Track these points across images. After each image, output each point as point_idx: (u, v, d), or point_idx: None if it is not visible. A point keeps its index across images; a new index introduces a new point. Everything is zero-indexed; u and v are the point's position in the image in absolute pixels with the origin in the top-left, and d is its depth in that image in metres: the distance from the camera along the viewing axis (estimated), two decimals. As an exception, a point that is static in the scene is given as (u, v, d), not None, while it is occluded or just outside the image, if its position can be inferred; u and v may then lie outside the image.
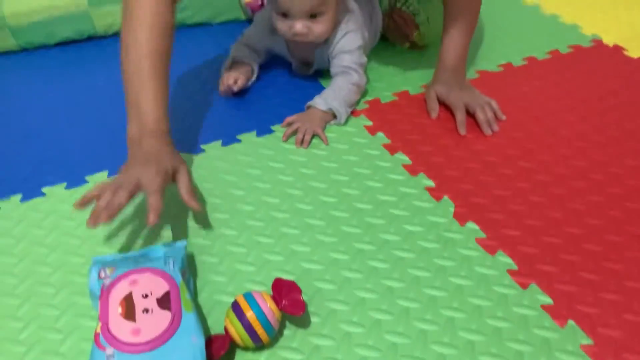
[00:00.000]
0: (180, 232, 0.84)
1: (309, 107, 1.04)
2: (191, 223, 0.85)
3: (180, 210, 0.87)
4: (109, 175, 0.94)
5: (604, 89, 1.14)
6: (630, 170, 0.94)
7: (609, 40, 1.30)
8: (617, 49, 1.27)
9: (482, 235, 0.83)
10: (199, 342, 0.63)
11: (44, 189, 0.91)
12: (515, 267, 0.78)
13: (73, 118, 1.08)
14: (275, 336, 0.69)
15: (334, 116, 1.03)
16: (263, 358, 0.67)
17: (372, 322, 0.71)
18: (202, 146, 0.99)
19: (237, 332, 0.65)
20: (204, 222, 0.85)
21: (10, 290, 0.76)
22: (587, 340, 0.69)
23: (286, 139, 1.00)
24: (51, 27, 1.26)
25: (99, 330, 0.63)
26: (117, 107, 1.09)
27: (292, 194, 0.90)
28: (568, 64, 1.22)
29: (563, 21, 1.38)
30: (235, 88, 1.08)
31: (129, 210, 0.87)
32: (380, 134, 1.02)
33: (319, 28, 1.01)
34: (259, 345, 0.67)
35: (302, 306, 0.67)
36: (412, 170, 0.94)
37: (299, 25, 0.99)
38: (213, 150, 0.99)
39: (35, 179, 0.94)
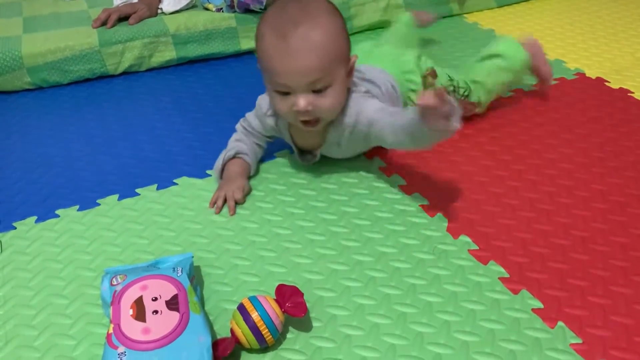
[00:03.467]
0: (187, 248, 0.88)
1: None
2: (198, 239, 0.89)
3: (187, 226, 0.92)
4: (119, 199, 0.99)
5: (587, 115, 1.20)
6: (612, 187, 0.99)
7: (591, 73, 1.37)
8: (600, 81, 1.34)
9: (475, 247, 0.87)
10: (206, 341, 0.67)
11: (58, 211, 0.96)
12: (506, 275, 0.82)
13: (84, 149, 1.14)
14: (279, 339, 0.72)
15: None
16: (267, 359, 0.71)
17: (370, 326, 0.75)
18: (208, 171, 1.05)
19: (243, 332, 0.69)
20: (211, 238, 0.90)
21: (26, 302, 0.80)
22: (576, 340, 0.72)
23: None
24: (65, 66, 1.34)
25: (111, 331, 0.67)
26: (124, 139, 1.17)
27: (294, 212, 0.94)
28: (553, 94, 1.29)
29: (548, 57, 1.46)
30: (232, 212, 0.94)
31: (138, 227, 0.92)
32: (376, 158, 1.07)
33: (326, 103, 0.87)
34: (264, 347, 0.70)
35: (303, 308, 0.71)
36: (407, 190, 0.99)
37: (302, 102, 0.85)
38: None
39: (50, 203, 0.99)
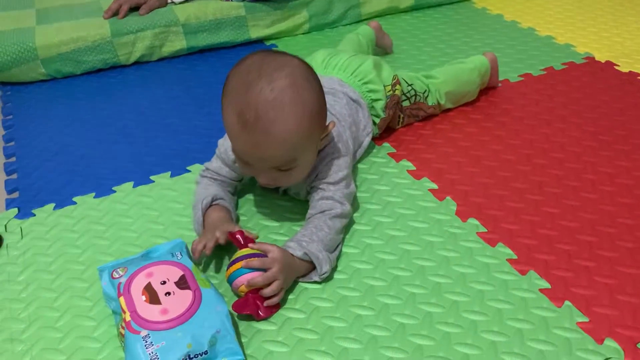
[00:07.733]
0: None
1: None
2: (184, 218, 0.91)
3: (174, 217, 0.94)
4: (134, 186, 1.01)
5: (596, 99, 1.21)
6: (620, 170, 1.00)
7: (600, 57, 1.37)
8: (609, 65, 1.34)
9: (483, 229, 0.89)
10: (223, 309, 0.70)
11: (75, 198, 0.99)
12: (514, 257, 0.84)
13: (99, 137, 1.16)
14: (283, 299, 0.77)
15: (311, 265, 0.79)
16: (274, 319, 0.75)
17: (381, 306, 0.76)
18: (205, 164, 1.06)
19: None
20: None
21: (47, 285, 0.82)
22: (582, 318, 0.74)
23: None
24: (78, 57, 1.36)
25: (128, 318, 0.68)
26: (137, 127, 1.19)
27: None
28: (562, 78, 1.29)
29: (557, 41, 1.46)
30: (208, 252, 0.79)
31: (153, 213, 0.94)
32: (386, 144, 1.09)
33: (290, 179, 0.82)
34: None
35: (245, 306, 0.74)
36: (416, 175, 1.01)
37: (264, 179, 0.80)
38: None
39: (67, 190, 1.01)
